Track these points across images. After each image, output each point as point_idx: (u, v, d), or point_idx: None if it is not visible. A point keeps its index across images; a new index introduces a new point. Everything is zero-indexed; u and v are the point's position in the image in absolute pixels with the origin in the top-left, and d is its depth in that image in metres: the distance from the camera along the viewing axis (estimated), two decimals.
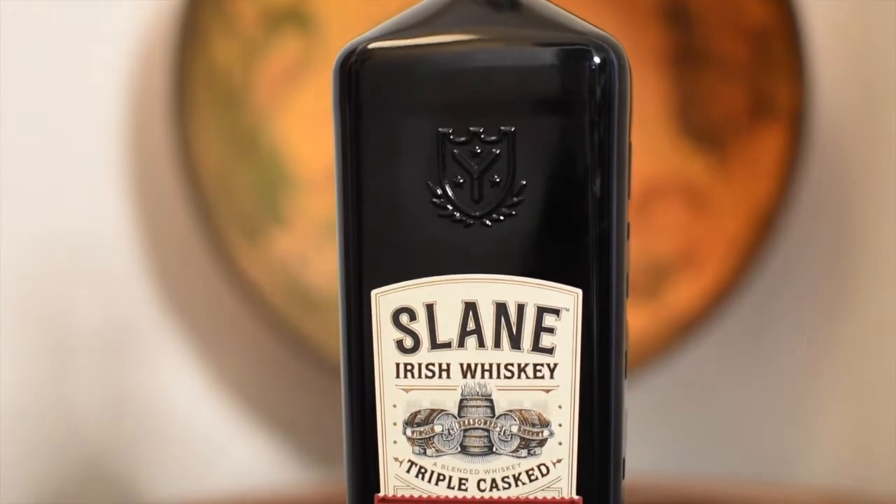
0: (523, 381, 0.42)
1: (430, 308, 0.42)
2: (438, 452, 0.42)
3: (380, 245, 0.42)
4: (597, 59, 0.41)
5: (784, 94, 0.75)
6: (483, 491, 0.42)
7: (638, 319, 0.76)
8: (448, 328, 0.42)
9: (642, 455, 0.77)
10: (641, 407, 0.80)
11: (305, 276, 0.76)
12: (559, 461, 0.42)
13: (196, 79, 0.75)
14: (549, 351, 0.42)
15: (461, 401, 0.42)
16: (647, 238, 0.78)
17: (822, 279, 0.78)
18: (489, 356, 0.42)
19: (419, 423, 0.42)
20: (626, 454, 0.43)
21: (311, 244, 0.77)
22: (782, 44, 0.74)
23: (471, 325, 0.42)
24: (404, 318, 0.42)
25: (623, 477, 0.43)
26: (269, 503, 0.71)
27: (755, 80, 0.76)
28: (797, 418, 0.80)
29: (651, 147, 0.78)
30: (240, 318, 0.78)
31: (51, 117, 0.76)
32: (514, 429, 0.42)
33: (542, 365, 0.42)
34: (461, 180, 0.42)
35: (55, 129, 0.76)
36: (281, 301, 0.76)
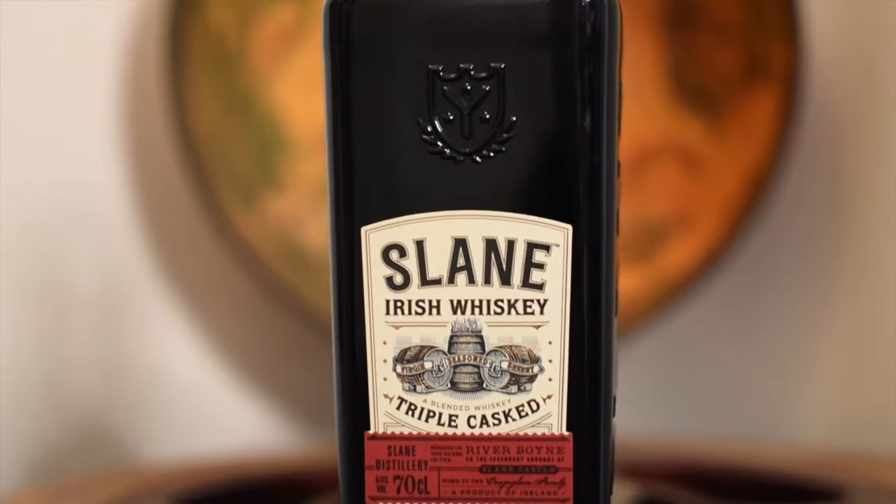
0: (513, 317, 0.42)
1: (420, 244, 0.42)
2: (428, 389, 0.42)
3: (370, 182, 0.42)
4: None
5: (778, 56, 0.75)
6: (473, 427, 0.42)
7: (632, 281, 0.76)
8: (438, 264, 0.42)
9: (636, 415, 0.77)
10: (635, 368, 0.80)
11: (301, 239, 0.77)
12: (549, 397, 0.42)
13: (191, 41, 0.75)
14: (540, 287, 0.42)
15: (451, 337, 0.42)
16: (641, 200, 0.78)
17: (816, 240, 0.79)
18: (479, 292, 0.42)
19: (409, 359, 0.42)
20: (617, 394, 0.43)
21: (306, 207, 0.77)
22: (776, 5, 0.75)
23: (461, 262, 0.42)
24: (394, 255, 0.42)
25: (614, 414, 0.43)
26: (262, 464, 0.71)
27: (749, 41, 0.76)
28: (791, 378, 0.80)
29: (645, 110, 0.78)
30: (235, 281, 0.78)
31: (46, 81, 0.76)
32: (505, 365, 0.42)
33: (532, 301, 0.42)
34: (451, 117, 0.42)
35: (50, 93, 0.76)
36: (276, 263, 0.76)
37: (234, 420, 0.80)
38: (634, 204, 0.77)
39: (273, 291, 0.76)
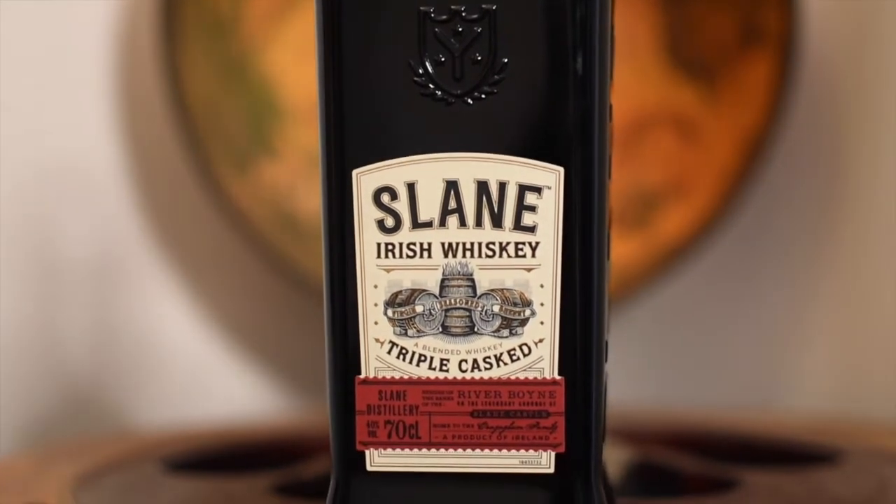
0: (505, 260, 0.41)
1: (411, 187, 0.42)
2: (419, 333, 0.42)
3: (360, 124, 0.42)
4: None
5: (773, 22, 0.75)
6: (464, 371, 0.42)
7: (627, 248, 0.76)
8: (429, 207, 0.42)
9: (630, 383, 0.77)
10: (631, 335, 0.80)
11: (295, 206, 0.76)
12: (541, 341, 0.42)
13: (185, 8, 0.75)
14: (531, 229, 0.41)
15: (442, 280, 0.42)
16: (636, 168, 0.78)
17: (812, 206, 0.78)
18: (470, 235, 0.42)
19: (400, 303, 0.42)
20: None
21: (300, 174, 0.77)
22: None
23: (452, 204, 0.41)
24: (385, 198, 0.42)
25: (606, 360, 0.43)
26: (254, 429, 0.71)
27: (744, 7, 0.76)
28: (787, 344, 0.80)
29: (641, 78, 0.78)
30: (229, 248, 0.78)
31: (40, 48, 0.75)
32: (496, 308, 0.42)
33: (523, 243, 0.41)
34: (442, 59, 0.41)
35: (44, 60, 0.75)
36: (270, 230, 0.76)
37: (226, 386, 0.80)
38: (630, 172, 0.77)
39: (266, 257, 0.76)
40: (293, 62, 0.77)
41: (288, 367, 0.81)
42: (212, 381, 0.79)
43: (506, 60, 0.41)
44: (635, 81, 0.77)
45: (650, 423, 0.69)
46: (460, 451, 0.42)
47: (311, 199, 0.76)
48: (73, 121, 0.76)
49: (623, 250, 0.75)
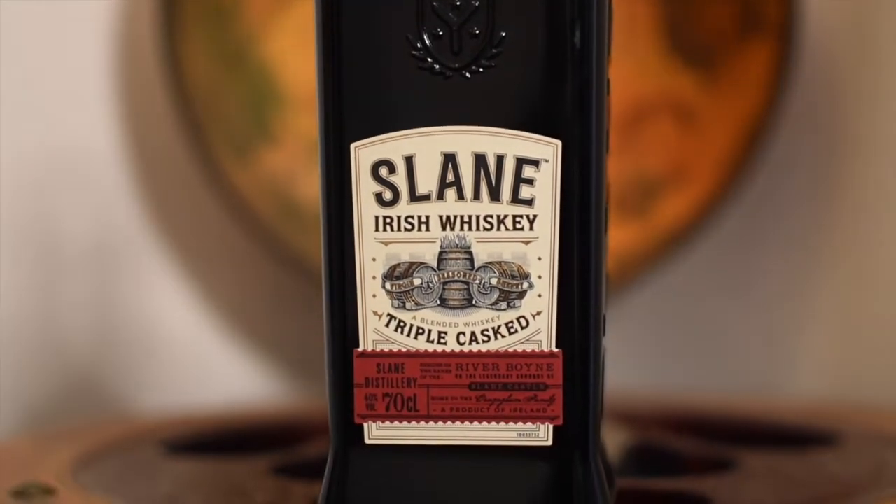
0: (503, 233, 0.42)
1: (409, 160, 0.42)
2: (417, 306, 0.42)
3: (359, 98, 0.42)
4: None
5: (772, 9, 0.75)
6: (462, 344, 0.42)
7: (627, 235, 0.76)
8: (427, 180, 0.42)
9: (630, 368, 0.77)
10: (631, 320, 0.80)
11: (295, 193, 0.77)
12: (539, 313, 0.42)
13: None
14: (529, 202, 0.41)
15: (440, 253, 0.42)
16: (636, 155, 0.78)
17: (810, 193, 0.78)
18: (468, 208, 0.42)
19: (398, 276, 0.42)
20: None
21: (300, 161, 0.77)
22: None
23: (450, 177, 0.42)
24: (383, 171, 0.42)
25: (604, 333, 0.43)
26: (255, 414, 0.71)
27: None
28: (785, 331, 0.80)
29: (641, 65, 0.78)
30: (229, 235, 0.78)
31: (40, 35, 0.75)
32: (494, 281, 0.42)
33: (521, 216, 0.41)
34: (440, 32, 0.41)
35: (44, 45, 0.76)
36: (271, 217, 0.76)
37: (226, 370, 0.80)
38: (630, 159, 0.77)
39: (266, 244, 0.76)
40: (293, 49, 0.77)
41: (287, 351, 0.81)
42: (211, 365, 0.80)
43: (504, 34, 0.41)
44: (635, 69, 0.77)
45: (650, 405, 0.69)
46: (458, 423, 0.42)
47: (311, 186, 0.76)
48: (73, 108, 0.76)
49: (622, 237, 0.75)
